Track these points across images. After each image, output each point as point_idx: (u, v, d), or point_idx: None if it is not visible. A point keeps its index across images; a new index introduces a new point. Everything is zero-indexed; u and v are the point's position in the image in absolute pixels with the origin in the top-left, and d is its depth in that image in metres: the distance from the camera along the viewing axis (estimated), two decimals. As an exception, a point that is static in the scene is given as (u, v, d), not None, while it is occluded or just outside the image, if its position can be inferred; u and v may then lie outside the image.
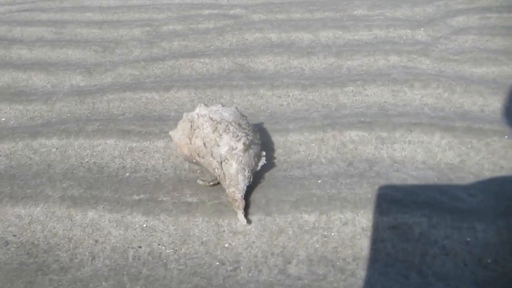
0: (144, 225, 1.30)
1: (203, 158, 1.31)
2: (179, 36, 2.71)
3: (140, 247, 1.26)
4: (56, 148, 1.72)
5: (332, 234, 1.22)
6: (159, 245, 1.26)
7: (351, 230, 1.22)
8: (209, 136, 1.31)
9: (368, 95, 1.91)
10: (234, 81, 2.08)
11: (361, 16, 2.89)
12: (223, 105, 1.41)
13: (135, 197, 1.39)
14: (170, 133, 1.42)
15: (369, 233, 1.21)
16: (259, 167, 1.35)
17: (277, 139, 1.62)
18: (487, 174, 1.41)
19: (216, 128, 1.31)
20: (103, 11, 3.33)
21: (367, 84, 1.96)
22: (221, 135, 1.30)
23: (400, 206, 1.25)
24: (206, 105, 1.39)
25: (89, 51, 2.63)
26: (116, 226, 1.31)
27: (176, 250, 1.24)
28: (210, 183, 1.38)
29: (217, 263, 1.20)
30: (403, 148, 1.55)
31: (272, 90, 1.99)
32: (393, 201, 1.27)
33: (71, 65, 2.44)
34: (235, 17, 3.03)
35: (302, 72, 2.20)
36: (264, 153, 1.38)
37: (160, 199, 1.37)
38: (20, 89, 2.28)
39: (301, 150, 1.58)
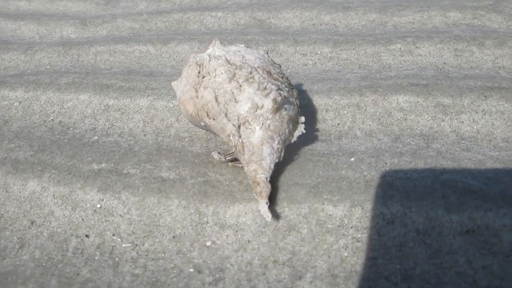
0: (98, 206, 0.91)
1: (213, 119, 0.88)
2: (193, -9, 2.31)
3: (87, 236, 0.88)
4: (19, 102, 1.36)
5: (370, 237, 0.79)
6: (113, 235, 0.87)
7: (401, 232, 0.79)
8: (224, 86, 0.87)
9: (421, 55, 1.45)
10: (249, 36, 1.66)
11: (411, -27, 2.38)
12: (247, 46, 0.97)
13: (94, 166, 1.00)
14: (173, 83, 1.01)
15: (428, 240, 0.77)
16: (295, 138, 0.92)
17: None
18: None
19: (235, 75, 0.87)
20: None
21: (421, 42, 1.49)
22: (241, 86, 0.86)
23: (479, 200, 0.80)
24: (222, 43, 0.95)
25: (91, 3, 2.28)
26: (62, 203, 0.93)
27: (136, 245, 0.85)
28: (227, 158, 0.95)
29: (191, 270, 0.79)
30: (474, 120, 1.09)
31: (295, 46, 1.55)
32: (468, 193, 0.82)
33: (66, 17, 2.09)
34: (260, -26, 2.59)
35: (335, 29, 1.75)
36: (303, 118, 0.94)
37: (126, 171, 0.98)
38: (3, 39, 1.95)
39: (328, 118, 1.15)
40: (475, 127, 1.08)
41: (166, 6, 2.17)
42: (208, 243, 0.83)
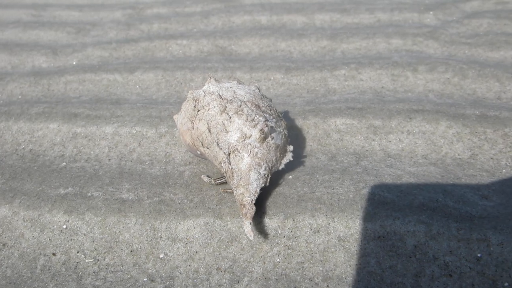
0: (64, 226, 1.02)
1: (207, 148, 0.98)
2: (161, 19, 2.46)
3: (54, 254, 0.99)
4: (-8, 133, 1.46)
5: (299, 245, 0.93)
6: (78, 252, 0.98)
7: (324, 240, 0.93)
8: (216, 118, 0.97)
9: (363, 80, 1.62)
10: (209, 63, 1.81)
11: (364, 0, 2.59)
12: (239, 82, 1.08)
13: (61, 191, 1.12)
14: (174, 117, 1.11)
15: (347, 245, 0.92)
16: (282, 165, 1.01)
17: (247, 126, 1.33)
18: (505, 172, 1.10)
19: (225, 108, 0.97)
20: (87, -5, 3.11)
21: (363, 68, 1.67)
22: (231, 117, 0.96)
23: (391, 210, 0.95)
24: (217, 80, 1.08)
25: (62, 32, 2.39)
26: (31, 226, 1.04)
27: (98, 260, 0.96)
28: (217, 181, 1.06)
29: (145, 279, 0.91)
30: (400, 140, 1.26)
31: (251, 73, 1.70)
32: (382, 204, 0.97)
33: (38, 46, 2.20)
34: (226, 1, 2.76)
35: (290, 55, 1.92)
36: (291, 147, 1.04)
37: (90, 194, 1.09)
38: (-25, 71, 2.03)
39: (275, 140, 1.29)
40: (401, 146, 1.24)
41: (135, 34, 2.31)
42: (161, 255, 0.95)
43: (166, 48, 2.06)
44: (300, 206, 0.99)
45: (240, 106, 0.98)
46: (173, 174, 1.18)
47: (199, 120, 0.99)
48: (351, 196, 1.01)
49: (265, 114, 1.00)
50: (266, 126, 0.96)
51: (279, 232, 0.95)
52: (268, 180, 0.96)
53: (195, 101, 1.03)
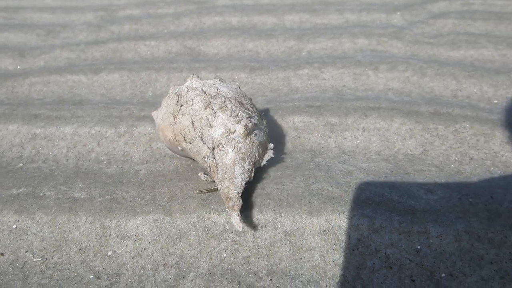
0: (14, 226, 1.02)
1: (190, 143, 0.98)
2: (133, 20, 2.45)
3: (2, 254, 0.98)
4: (-50, 135, 1.44)
5: (246, 240, 0.94)
6: (26, 252, 0.98)
7: (271, 235, 0.94)
8: (200, 113, 0.97)
9: (325, 79, 1.64)
10: (175, 63, 1.81)
11: (334, 1, 2.63)
12: (221, 80, 1.09)
13: (14, 191, 1.11)
14: (153, 113, 1.10)
15: (293, 239, 0.93)
16: (264, 162, 1.03)
17: (206, 125, 1.34)
18: (453, 167, 1.13)
19: (210, 103, 0.98)
20: (61, -3, 3.10)
21: (325, 67, 1.69)
22: (215, 112, 0.97)
23: (337, 204, 0.97)
24: (199, 77, 1.08)
25: (32, 35, 2.37)
26: (-19, 227, 1.03)
27: (46, 259, 0.96)
28: (203, 191, 1.04)
29: (91, 277, 0.91)
30: (355, 136, 1.28)
31: (216, 73, 1.71)
32: (329, 199, 0.99)
33: (6, 49, 2.17)
34: (198, 3, 2.78)
35: (256, 55, 1.93)
36: (272, 145, 1.06)
37: (42, 194, 1.09)
38: None
39: (233, 138, 1.30)
40: (355, 143, 1.26)
41: (105, 36, 2.30)
42: (110, 253, 0.95)
43: (134, 49, 2.06)
44: (250, 202, 1.00)
45: (224, 102, 0.99)
46: (128, 172, 1.18)
47: (182, 114, 0.99)
48: (300, 191, 1.02)
49: (248, 111, 1.02)
50: (250, 122, 0.97)
51: (227, 228, 0.96)
52: (252, 174, 0.97)
53: (178, 96, 1.02)
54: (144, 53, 2.03)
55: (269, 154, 1.03)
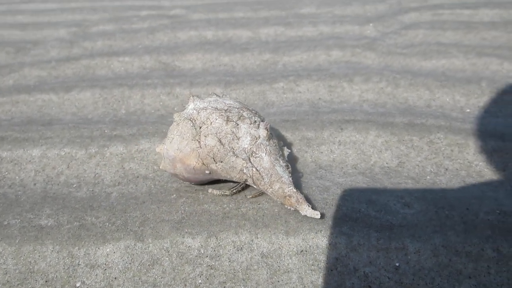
0: (-24, 259, 0.96)
1: (221, 161, 0.97)
2: (106, 36, 2.41)
3: (-38, 289, 0.92)
4: None
5: (222, 264, 0.91)
6: (-12, 286, 0.92)
7: (247, 257, 0.91)
8: (223, 129, 0.97)
9: (300, 92, 1.64)
10: (149, 80, 1.78)
11: (308, 14, 2.65)
12: (217, 95, 1.08)
13: (-24, 220, 1.05)
14: (158, 149, 1.04)
15: (270, 261, 0.90)
16: (286, 158, 1.06)
17: (180, 143, 1.31)
18: (429, 179, 1.13)
19: (228, 117, 0.98)
20: (35, 13, 3.04)
21: (301, 80, 1.69)
22: (238, 124, 0.98)
23: (314, 223, 0.95)
24: (199, 97, 1.06)
25: (1, 53, 2.30)
26: None
27: (10, 293, 0.90)
28: (233, 191, 1.05)
29: (58, 310, 0.87)
30: (331, 151, 1.27)
31: (191, 88, 1.69)
32: (306, 217, 0.97)
33: (-28, 68, 2.10)
34: (173, 17, 2.76)
35: (232, 69, 1.92)
36: (281, 142, 1.10)
37: (6, 223, 1.04)
38: None
39: (208, 156, 1.27)
40: (332, 157, 1.25)
41: (78, 52, 2.25)
42: (78, 284, 0.91)
43: (107, 65, 2.02)
44: (225, 224, 0.97)
45: (239, 112, 1.00)
46: (99, 196, 1.14)
47: (205, 136, 0.97)
48: (276, 210, 1.00)
49: (257, 116, 1.04)
50: (268, 124, 1.01)
51: (202, 252, 0.93)
52: (290, 169, 1.00)
53: (191, 120, 1.00)
54: (117, 69, 1.99)
55: (286, 149, 1.07)
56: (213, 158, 0.97)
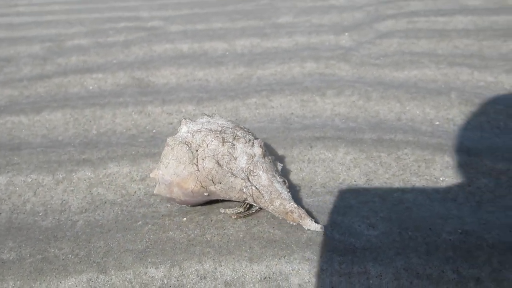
0: None
1: (220, 183, 0.98)
2: (81, 51, 2.39)
3: None
4: None
5: (185, 293, 0.90)
6: None
7: (211, 286, 0.91)
8: (220, 150, 0.98)
9: (273, 107, 1.64)
10: (121, 98, 1.76)
11: (285, 23, 2.65)
12: (208, 115, 1.09)
13: None
14: (153, 175, 1.02)
15: (233, 289, 0.90)
16: (280, 172, 1.08)
17: (148, 166, 1.30)
18: (396, 196, 1.13)
19: (224, 138, 0.99)
20: (10, 28, 3.00)
21: (274, 95, 1.69)
22: (234, 144, 0.99)
23: (278, 248, 0.95)
24: (191, 119, 1.06)
25: (-28, 71, 2.26)
26: None
27: (-31, 332, 0.89)
28: (246, 213, 1.05)
29: None
30: (300, 169, 1.27)
31: (163, 106, 1.68)
32: (270, 242, 0.97)
33: None
34: (150, 29, 2.74)
35: (206, 84, 1.91)
36: (273, 157, 1.09)
37: (-33, 257, 1.01)
38: None
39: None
40: (301, 175, 1.25)
41: (51, 69, 2.22)
42: (39, 320, 0.89)
43: (80, 83, 2.00)
44: (189, 252, 0.96)
45: (233, 132, 1.02)
46: (65, 225, 1.12)
47: (202, 159, 0.98)
48: (241, 236, 0.99)
49: (250, 133, 1.05)
50: (262, 141, 1.03)
51: (165, 282, 0.92)
52: (287, 184, 1.02)
53: (186, 144, 1.00)
54: (91, 86, 1.97)
55: (278, 164, 1.08)
56: (212, 180, 0.98)
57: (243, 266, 0.92)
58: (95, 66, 2.16)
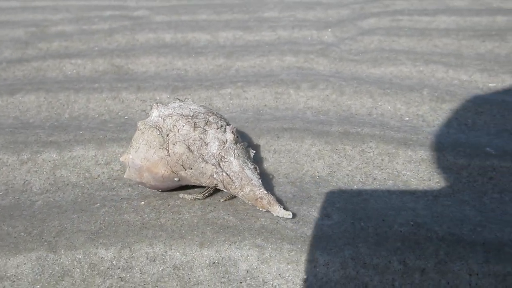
0: None
1: (190, 168, 0.98)
2: (63, 37, 2.37)
3: None
4: None
5: (133, 276, 0.90)
6: None
7: (159, 269, 0.91)
8: (191, 136, 0.98)
9: (247, 98, 1.64)
10: (96, 84, 1.76)
11: (270, 17, 2.65)
12: (181, 100, 1.09)
13: None
14: (123, 159, 1.01)
15: (181, 273, 0.90)
16: (252, 159, 1.08)
17: (114, 150, 1.30)
18: (356, 188, 1.14)
19: (195, 123, 0.99)
20: (-7, 12, 2.97)
21: (248, 86, 1.68)
22: (205, 130, 0.99)
23: (230, 234, 0.95)
24: (162, 103, 1.05)
25: (-47, 53, 2.24)
26: None
27: None
28: (205, 194, 1.05)
29: (-41, 325, 0.85)
30: (266, 159, 1.27)
31: (137, 93, 1.67)
32: (223, 228, 0.97)
33: None
34: (135, 18, 2.73)
35: (184, 73, 1.91)
36: (246, 143, 1.09)
37: None
38: None
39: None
40: (265, 165, 1.25)
41: (31, 53, 2.21)
42: (-15, 297, 0.89)
43: (59, 67, 1.99)
44: (141, 234, 0.96)
45: (205, 117, 1.01)
46: (23, 204, 1.12)
47: (173, 144, 0.97)
48: (195, 221, 1.00)
49: (222, 119, 1.05)
50: (234, 128, 1.02)
51: (114, 264, 0.92)
52: (259, 173, 1.02)
53: (157, 128, 0.99)
54: (69, 72, 1.96)
55: (251, 151, 1.08)
56: (182, 166, 0.97)
57: (193, 250, 0.93)
58: (76, 52, 2.15)
